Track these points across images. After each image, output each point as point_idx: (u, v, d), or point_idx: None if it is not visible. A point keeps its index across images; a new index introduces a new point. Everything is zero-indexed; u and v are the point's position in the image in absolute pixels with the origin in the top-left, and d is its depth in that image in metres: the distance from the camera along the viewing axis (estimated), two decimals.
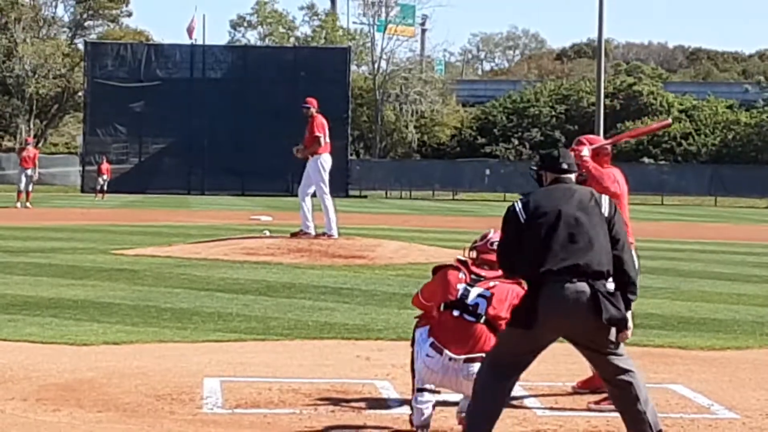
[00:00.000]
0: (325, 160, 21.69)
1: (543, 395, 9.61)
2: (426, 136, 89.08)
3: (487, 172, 73.32)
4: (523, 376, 9.72)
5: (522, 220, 7.38)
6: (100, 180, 57.92)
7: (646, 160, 78.97)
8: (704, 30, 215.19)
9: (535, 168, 7.79)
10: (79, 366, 10.47)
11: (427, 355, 8.01)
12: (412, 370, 8.29)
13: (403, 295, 16.22)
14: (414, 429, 8.22)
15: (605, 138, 9.95)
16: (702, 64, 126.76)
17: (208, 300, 15.41)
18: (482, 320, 8.01)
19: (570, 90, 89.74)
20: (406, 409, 8.78)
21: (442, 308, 8.14)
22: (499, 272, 7.99)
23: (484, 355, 7.77)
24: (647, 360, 11.38)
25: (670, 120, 10.21)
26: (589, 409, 9.02)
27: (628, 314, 7.38)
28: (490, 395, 7.45)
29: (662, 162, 79.42)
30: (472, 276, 8.21)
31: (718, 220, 46.53)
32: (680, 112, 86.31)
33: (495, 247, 8.06)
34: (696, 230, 37.14)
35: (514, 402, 9.24)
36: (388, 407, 9.04)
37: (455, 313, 8.05)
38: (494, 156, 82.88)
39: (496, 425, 7.58)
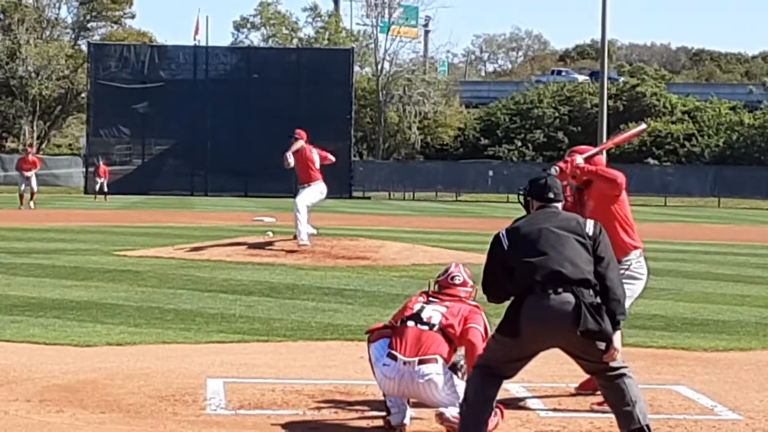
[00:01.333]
0: (323, 189, 21.89)
1: (546, 396, 9.61)
2: (429, 137, 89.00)
3: (490, 173, 73.27)
4: (526, 377, 9.74)
5: (505, 247, 7.55)
6: (98, 181, 57.86)
7: (650, 161, 78.90)
8: (707, 31, 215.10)
9: (522, 193, 7.94)
10: (82, 367, 10.47)
11: (384, 364, 8.32)
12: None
13: (407, 296, 16.18)
14: (392, 429, 8.35)
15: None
16: (705, 66, 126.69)
17: (212, 301, 15.41)
18: (435, 329, 8.35)
19: (573, 91, 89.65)
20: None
21: (399, 323, 8.49)
22: (456, 298, 8.54)
23: (437, 357, 8.16)
24: (650, 361, 11.38)
25: (644, 126, 10.09)
26: (592, 410, 9.02)
27: (617, 335, 7.40)
28: (481, 398, 7.54)
29: (666, 163, 79.34)
30: (430, 298, 8.65)
31: (721, 222, 46.48)
32: (683, 113, 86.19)
33: (456, 281, 8.67)
34: (699, 231, 37.12)
35: (518, 403, 9.25)
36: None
37: (410, 323, 8.42)
38: (497, 157, 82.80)
39: (499, 426, 7.62)
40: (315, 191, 21.95)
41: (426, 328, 8.32)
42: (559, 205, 7.88)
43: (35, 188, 43.50)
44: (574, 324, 7.20)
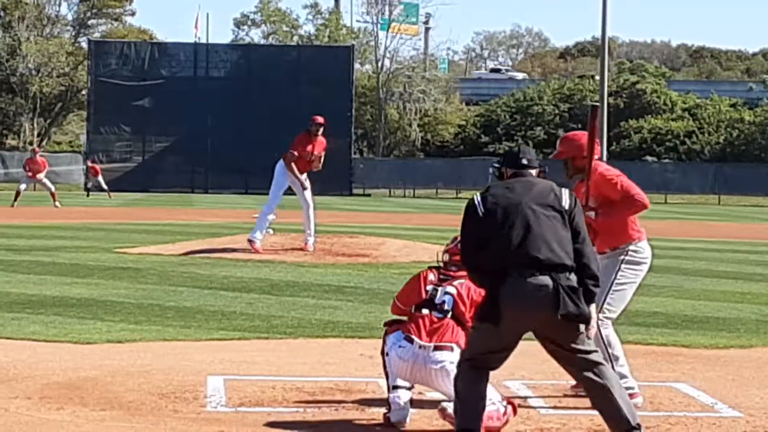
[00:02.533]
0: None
1: (546, 394, 9.61)
2: (429, 134, 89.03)
3: (491, 170, 73.27)
4: (526, 374, 9.76)
5: (480, 214, 7.43)
6: (90, 180, 57.78)
7: (649, 158, 78.89)
8: (708, 28, 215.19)
9: (497, 166, 7.89)
10: (82, 364, 10.47)
11: (400, 346, 8.29)
12: (386, 374, 8.50)
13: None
14: (391, 426, 8.34)
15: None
16: (705, 63, 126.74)
17: (212, 298, 15.41)
18: (449, 315, 8.34)
19: (573, 89, 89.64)
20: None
21: (413, 309, 8.46)
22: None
23: (452, 345, 8.15)
24: (651, 358, 11.39)
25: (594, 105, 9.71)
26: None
27: (591, 308, 7.39)
28: (473, 393, 7.49)
29: (666, 160, 79.32)
30: (441, 276, 8.56)
31: (721, 219, 46.48)
32: (684, 110, 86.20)
33: None
34: (699, 229, 37.11)
35: (517, 400, 9.25)
36: None
37: (425, 311, 8.39)
38: (497, 154, 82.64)
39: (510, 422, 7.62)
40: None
41: (441, 315, 8.31)
42: (534, 171, 7.71)
43: (52, 188, 43.15)
44: (554, 308, 7.17)
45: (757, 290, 18.07)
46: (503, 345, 7.43)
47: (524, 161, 7.70)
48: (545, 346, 7.50)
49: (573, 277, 7.28)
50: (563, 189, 7.59)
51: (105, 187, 56.12)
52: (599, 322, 9.12)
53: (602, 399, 7.41)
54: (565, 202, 7.45)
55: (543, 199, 7.43)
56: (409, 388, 8.45)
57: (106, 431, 8.17)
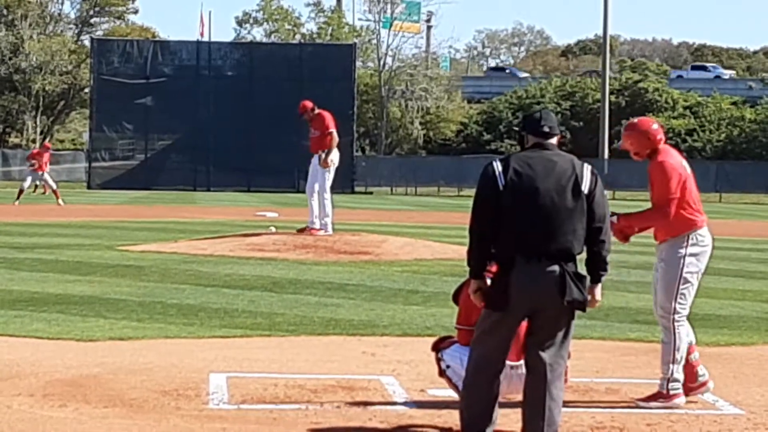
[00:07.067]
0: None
1: None
2: (431, 132, 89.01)
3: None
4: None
5: (500, 187, 7.29)
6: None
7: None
8: (709, 26, 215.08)
9: (518, 129, 7.83)
10: (85, 362, 10.50)
11: None
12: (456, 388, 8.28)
13: (409, 291, 16.25)
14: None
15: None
16: (707, 61, 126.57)
17: (214, 296, 15.43)
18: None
19: (575, 87, 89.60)
20: (411, 405, 8.86)
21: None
22: None
23: None
24: (652, 356, 11.37)
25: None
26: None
27: (597, 288, 7.45)
28: (483, 389, 7.45)
29: None
30: None
31: (723, 217, 46.44)
32: (685, 108, 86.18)
33: None
34: None
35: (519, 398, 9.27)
36: (394, 403, 9.07)
37: None
38: (499, 152, 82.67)
39: (500, 421, 7.61)
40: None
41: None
42: (555, 139, 7.57)
43: (54, 185, 42.92)
44: (561, 294, 7.20)
45: (759, 288, 18.07)
46: (508, 330, 7.39)
47: (545, 129, 7.53)
48: (530, 327, 7.46)
49: (579, 264, 7.33)
50: (585, 166, 7.47)
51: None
52: (675, 321, 9.08)
53: (535, 394, 7.39)
54: (585, 186, 7.34)
55: (563, 183, 7.29)
56: None
57: (108, 428, 8.20)
